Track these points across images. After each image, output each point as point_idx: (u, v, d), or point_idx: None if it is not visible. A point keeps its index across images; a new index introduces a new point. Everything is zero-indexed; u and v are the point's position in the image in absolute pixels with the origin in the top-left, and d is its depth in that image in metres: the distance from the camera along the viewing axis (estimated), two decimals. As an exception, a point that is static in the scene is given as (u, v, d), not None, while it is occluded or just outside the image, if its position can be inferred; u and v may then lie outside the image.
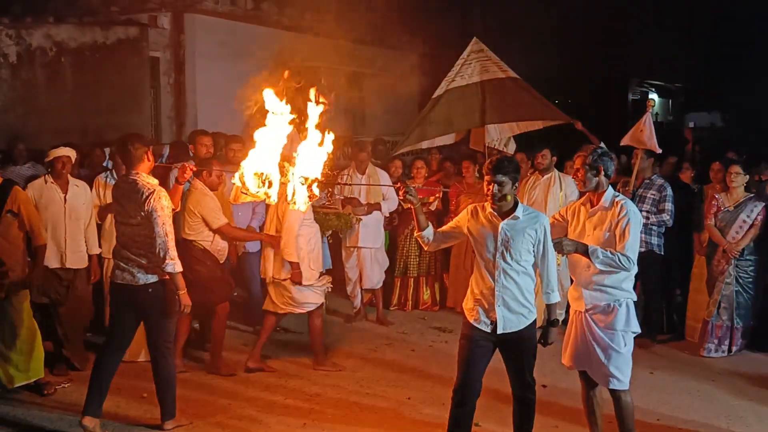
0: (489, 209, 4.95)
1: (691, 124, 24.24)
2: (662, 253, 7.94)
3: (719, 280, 7.64)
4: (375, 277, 8.84)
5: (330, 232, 8.68)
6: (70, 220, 6.97)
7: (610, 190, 5.18)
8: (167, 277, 5.59)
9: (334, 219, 8.46)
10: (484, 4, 21.03)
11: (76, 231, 7.04)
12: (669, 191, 7.84)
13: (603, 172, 5.13)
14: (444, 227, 5.34)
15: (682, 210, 8.18)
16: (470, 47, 9.66)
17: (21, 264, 6.44)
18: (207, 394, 6.55)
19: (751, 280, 7.64)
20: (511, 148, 10.04)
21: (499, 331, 4.90)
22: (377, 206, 8.71)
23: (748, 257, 7.60)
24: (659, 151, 8.01)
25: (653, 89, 26.93)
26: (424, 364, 7.34)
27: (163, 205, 5.54)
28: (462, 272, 9.19)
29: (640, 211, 7.64)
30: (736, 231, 7.54)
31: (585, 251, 5.00)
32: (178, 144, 9.19)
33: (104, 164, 8.77)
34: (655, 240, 7.87)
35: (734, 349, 7.66)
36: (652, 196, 7.85)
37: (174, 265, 5.54)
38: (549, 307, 5.02)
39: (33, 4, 13.32)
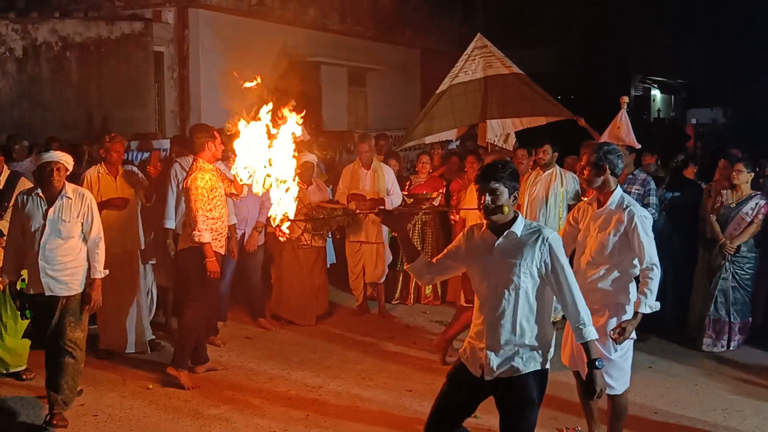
0: (485, 227, 4.10)
1: (693, 121, 24.25)
2: None
3: (716, 275, 7.70)
4: (378, 272, 8.90)
5: (336, 227, 8.74)
6: (50, 238, 5.69)
7: (619, 191, 5.02)
8: (196, 245, 6.48)
9: (341, 215, 8.53)
10: (486, 0, 21.05)
11: (57, 253, 5.72)
12: (652, 185, 7.84)
13: (609, 171, 4.96)
14: (439, 255, 4.39)
15: (688, 205, 8.26)
16: (474, 43, 9.71)
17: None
18: (212, 385, 6.63)
19: (749, 276, 7.66)
20: (511, 143, 10.10)
21: (487, 377, 4.01)
22: (381, 201, 8.75)
23: (746, 254, 7.61)
24: (638, 146, 8.06)
25: (655, 85, 26.95)
26: (426, 358, 7.40)
27: (197, 185, 6.43)
28: (463, 267, 9.24)
29: None
30: (734, 227, 7.57)
31: (639, 315, 4.89)
32: (180, 138, 9.24)
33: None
34: None
35: (732, 344, 7.70)
36: (637, 191, 7.83)
37: (199, 236, 6.41)
38: (586, 347, 3.99)
39: (39, -1, 13.40)
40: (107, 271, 5.95)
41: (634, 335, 5.00)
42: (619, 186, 5.07)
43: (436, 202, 9.36)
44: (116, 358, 7.24)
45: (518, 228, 3.97)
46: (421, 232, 9.34)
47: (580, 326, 3.94)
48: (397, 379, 6.85)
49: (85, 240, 5.86)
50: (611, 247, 4.98)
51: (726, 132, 21.82)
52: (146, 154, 9.25)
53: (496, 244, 3.99)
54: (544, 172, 8.42)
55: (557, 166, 8.40)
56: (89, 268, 5.88)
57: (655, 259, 4.88)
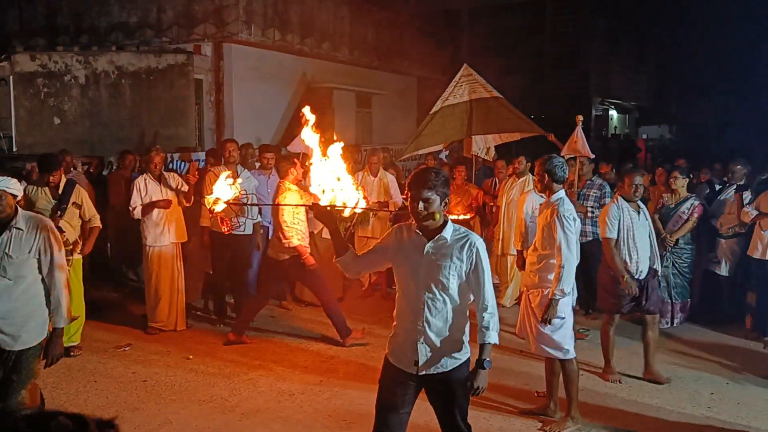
0: (415, 229, 3.59)
1: (644, 136, 24.25)
2: None
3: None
4: (382, 261, 8.87)
5: (349, 224, 8.74)
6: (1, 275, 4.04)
7: (559, 194, 5.06)
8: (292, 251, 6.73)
9: (354, 214, 8.52)
10: (471, 36, 21.08)
11: (4, 296, 4.06)
12: (607, 189, 7.87)
13: (549, 178, 5.06)
14: (366, 250, 3.83)
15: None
16: (461, 72, 9.69)
17: (80, 245, 6.62)
18: (242, 356, 6.63)
19: (686, 265, 7.65)
20: (491, 155, 10.08)
21: (421, 371, 3.54)
22: (386, 204, 8.76)
23: (684, 246, 7.62)
24: (593, 156, 8.06)
25: (612, 107, 26.89)
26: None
27: (283, 198, 6.60)
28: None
29: (585, 207, 7.72)
30: (673, 224, 7.58)
31: (556, 301, 4.88)
32: (213, 151, 9.24)
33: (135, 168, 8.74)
34: (598, 230, 7.89)
35: (676, 321, 7.69)
36: (594, 194, 7.84)
37: (289, 242, 6.68)
38: (482, 348, 3.54)
39: (98, 35, 13.43)
40: (76, 316, 4.33)
41: (562, 314, 4.97)
42: (562, 190, 5.11)
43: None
44: (161, 333, 7.25)
45: (448, 233, 3.52)
46: (417, 229, 9.30)
47: (484, 328, 3.54)
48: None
49: (44, 280, 4.13)
50: (543, 238, 5.05)
51: (671, 145, 21.81)
52: (187, 164, 9.27)
53: (426, 246, 3.51)
54: (519, 179, 8.44)
55: (530, 174, 8.40)
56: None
57: (566, 252, 4.84)
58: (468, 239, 3.53)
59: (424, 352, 3.53)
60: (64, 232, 6.24)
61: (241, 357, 6.59)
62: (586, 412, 5.27)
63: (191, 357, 6.56)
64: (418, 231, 3.56)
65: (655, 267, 6.04)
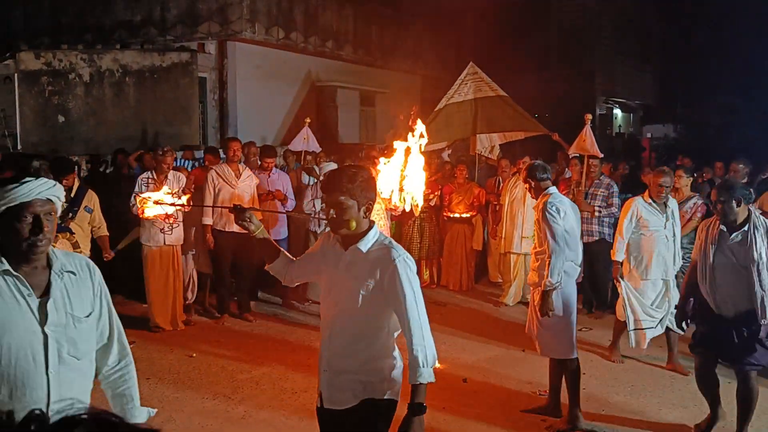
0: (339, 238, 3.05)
1: (648, 135, 24.20)
2: (611, 240, 7.92)
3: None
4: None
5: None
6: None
7: (549, 190, 5.11)
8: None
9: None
10: (477, 35, 21.03)
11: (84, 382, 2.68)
12: (615, 188, 7.87)
13: (534, 180, 5.13)
14: (301, 256, 3.30)
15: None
16: (467, 70, 9.71)
17: (89, 249, 6.60)
18: (245, 354, 6.63)
19: (688, 264, 7.62)
20: (496, 153, 10.08)
21: (325, 404, 3.01)
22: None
23: (687, 246, 7.57)
24: (601, 155, 8.04)
25: (617, 105, 26.84)
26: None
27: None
28: (454, 257, 9.23)
29: (593, 207, 7.71)
30: (676, 224, 7.55)
31: (547, 291, 4.89)
32: (213, 149, 9.25)
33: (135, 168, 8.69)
34: (606, 230, 7.85)
35: (678, 320, 7.64)
36: (602, 194, 7.84)
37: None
38: (415, 390, 2.84)
39: (103, 33, 13.47)
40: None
41: (560, 312, 4.97)
42: (550, 188, 5.15)
43: (432, 203, 9.35)
44: (165, 331, 7.26)
45: (365, 244, 2.93)
46: (420, 228, 9.31)
47: (413, 363, 2.85)
48: (400, 350, 6.81)
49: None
50: (539, 235, 5.11)
51: (676, 144, 21.76)
52: (187, 162, 9.29)
53: (340, 257, 2.99)
54: (522, 177, 8.42)
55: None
56: None
57: (552, 243, 4.88)
58: (387, 255, 2.90)
59: (325, 383, 2.99)
60: (74, 233, 6.30)
61: (244, 355, 6.60)
62: (588, 412, 5.27)
63: (194, 355, 6.57)
64: (339, 240, 3.04)
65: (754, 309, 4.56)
